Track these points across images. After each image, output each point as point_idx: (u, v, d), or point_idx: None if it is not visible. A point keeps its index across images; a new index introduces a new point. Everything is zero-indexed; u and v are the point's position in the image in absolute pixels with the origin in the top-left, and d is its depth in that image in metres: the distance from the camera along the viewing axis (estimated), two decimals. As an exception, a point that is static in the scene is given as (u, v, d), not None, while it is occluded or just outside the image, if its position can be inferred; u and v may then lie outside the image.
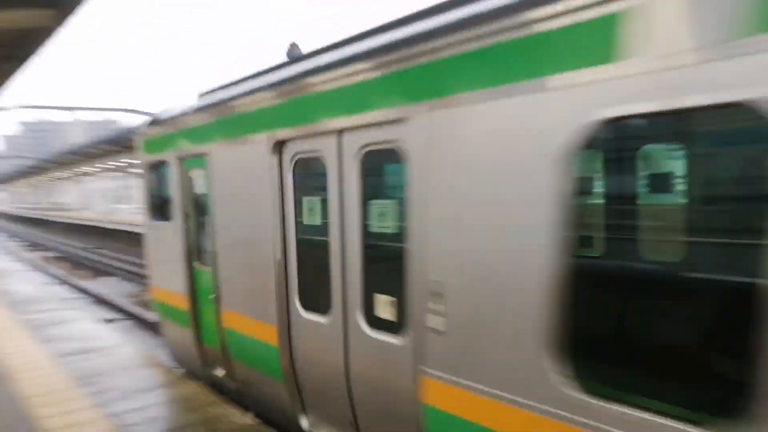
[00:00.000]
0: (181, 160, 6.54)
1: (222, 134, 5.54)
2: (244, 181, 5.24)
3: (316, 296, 4.53)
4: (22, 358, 7.42)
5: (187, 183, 6.52)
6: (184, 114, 6.35)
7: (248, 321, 5.44)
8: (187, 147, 6.33)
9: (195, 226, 6.52)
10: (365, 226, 4.02)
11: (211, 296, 6.08)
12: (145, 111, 21.59)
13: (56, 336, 8.54)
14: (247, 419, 5.30)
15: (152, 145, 7.28)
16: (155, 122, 7.20)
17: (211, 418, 5.30)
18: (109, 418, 5.38)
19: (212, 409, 5.53)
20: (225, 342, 5.93)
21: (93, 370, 6.83)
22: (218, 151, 5.65)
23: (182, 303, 6.77)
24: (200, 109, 5.94)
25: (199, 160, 6.15)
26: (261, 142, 4.87)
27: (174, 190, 6.69)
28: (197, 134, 6.07)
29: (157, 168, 7.28)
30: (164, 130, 6.90)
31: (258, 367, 5.41)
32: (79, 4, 9.93)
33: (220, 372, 6.26)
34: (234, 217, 5.51)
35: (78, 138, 47.90)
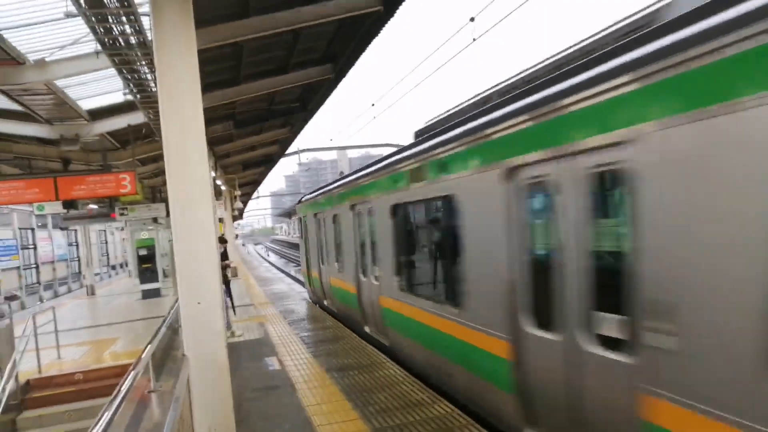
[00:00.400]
0: (303, 216, 16.71)
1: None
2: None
3: None
4: (301, 371, 8.45)
5: (303, 226, 16.84)
6: (304, 200, 16.76)
7: (315, 273, 15.24)
8: (305, 211, 16.35)
9: (307, 241, 16.32)
10: None
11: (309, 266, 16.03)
12: (395, 144, 23.34)
13: (325, 352, 9.56)
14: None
15: (299, 210, 17.64)
16: (300, 201, 17.87)
17: (465, 443, 5.32)
18: (372, 432, 5.78)
19: (465, 434, 5.55)
20: (312, 282, 15.84)
21: (357, 386, 7.43)
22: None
23: (305, 270, 17.35)
24: (307, 198, 16.03)
25: (305, 216, 16.30)
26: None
27: (301, 228, 17.24)
28: (309, 207, 15.61)
29: (300, 220, 17.44)
30: (300, 206, 17.59)
31: (340, 298, 12.77)
32: (354, 58, 11.26)
33: (313, 297, 16.36)
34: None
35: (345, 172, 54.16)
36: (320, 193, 14.34)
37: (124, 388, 3.00)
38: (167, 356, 4.61)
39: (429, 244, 7.83)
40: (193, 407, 4.39)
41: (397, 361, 8.68)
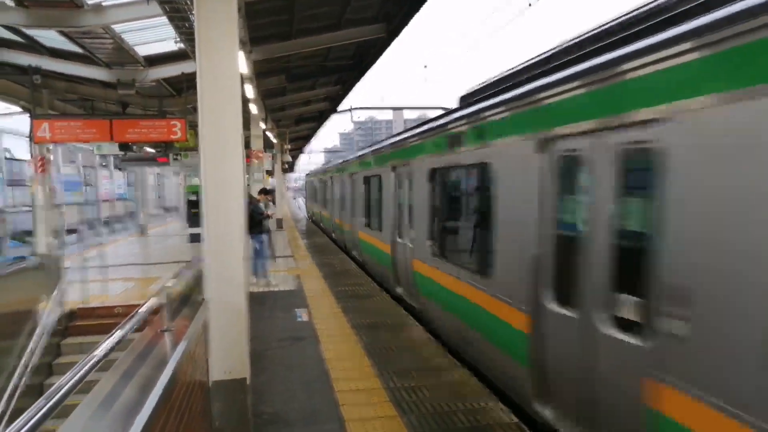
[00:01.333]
0: (307, 181, 43.96)
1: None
2: None
3: None
4: (328, 324, 8.67)
5: (308, 186, 41.14)
6: (308, 174, 43.43)
7: (314, 209, 32.91)
8: (312, 178, 36.06)
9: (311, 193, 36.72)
10: None
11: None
12: (444, 107, 23.13)
13: (354, 307, 9.74)
14: (511, 417, 5.23)
15: (306, 177, 46.16)
16: (307, 175, 46.26)
17: (475, 410, 5.38)
18: (386, 390, 5.91)
19: (478, 401, 5.60)
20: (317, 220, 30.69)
21: (380, 345, 7.58)
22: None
23: (307, 206, 41.62)
24: (310, 173, 41.10)
25: (308, 181, 41.21)
26: None
27: (306, 187, 47.12)
28: (312, 176, 36.52)
29: (306, 182, 46.44)
30: (307, 177, 45.74)
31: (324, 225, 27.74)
32: (407, 18, 11.08)
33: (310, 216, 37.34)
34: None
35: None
36: (319, 171, 30.61)
37: (141, 311, 3.28)
38: (189, 299, 4.83)
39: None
40: (210, 350, 4.61)
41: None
